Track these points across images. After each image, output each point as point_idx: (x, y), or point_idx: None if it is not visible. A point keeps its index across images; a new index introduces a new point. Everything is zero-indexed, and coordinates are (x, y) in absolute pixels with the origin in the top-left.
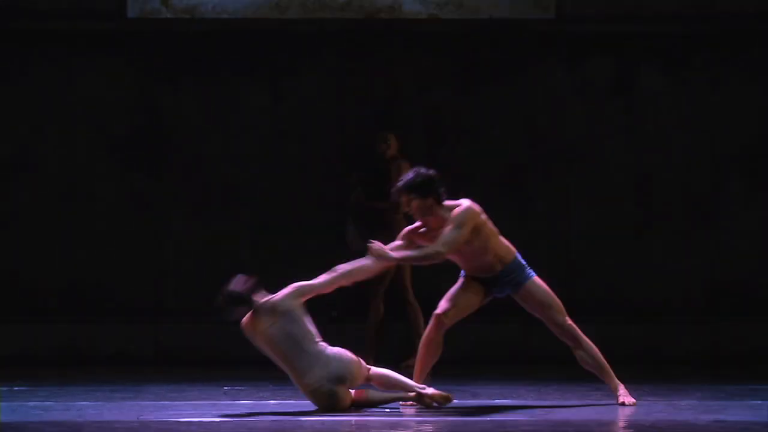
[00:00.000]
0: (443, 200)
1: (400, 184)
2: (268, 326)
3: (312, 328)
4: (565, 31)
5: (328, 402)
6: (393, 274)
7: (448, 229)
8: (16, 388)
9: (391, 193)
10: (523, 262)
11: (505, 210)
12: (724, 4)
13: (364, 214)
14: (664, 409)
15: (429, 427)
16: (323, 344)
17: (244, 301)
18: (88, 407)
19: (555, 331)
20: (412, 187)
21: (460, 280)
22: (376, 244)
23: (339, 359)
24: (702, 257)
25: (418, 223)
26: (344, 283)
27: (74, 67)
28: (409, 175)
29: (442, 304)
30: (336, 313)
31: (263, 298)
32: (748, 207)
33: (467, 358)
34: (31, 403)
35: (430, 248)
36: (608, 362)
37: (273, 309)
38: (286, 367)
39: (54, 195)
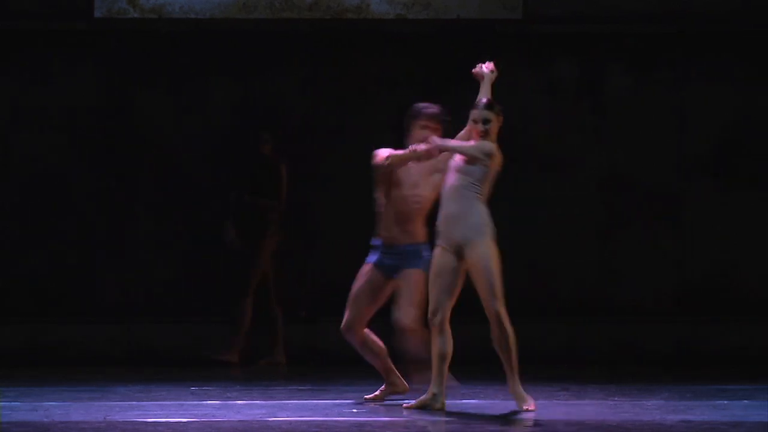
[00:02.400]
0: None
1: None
2: None
3: None
4: (532, 32)
5: None
6: (261, 275)
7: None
8: None
9: (271, 192)
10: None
11: None
12: (691, 5)
13: (246, 212)
14: (631, 409)
15: (397, 428)
16: None
17: None
18: (55, 407)
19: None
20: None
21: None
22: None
23: None
24: (669, 258)
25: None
26: None
27: (42, 67)
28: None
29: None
30: (305, 313)
31: None
32: (716, 207)
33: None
34: None
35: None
36: (576, 362)
37: None
38: None
39: (23, 194)
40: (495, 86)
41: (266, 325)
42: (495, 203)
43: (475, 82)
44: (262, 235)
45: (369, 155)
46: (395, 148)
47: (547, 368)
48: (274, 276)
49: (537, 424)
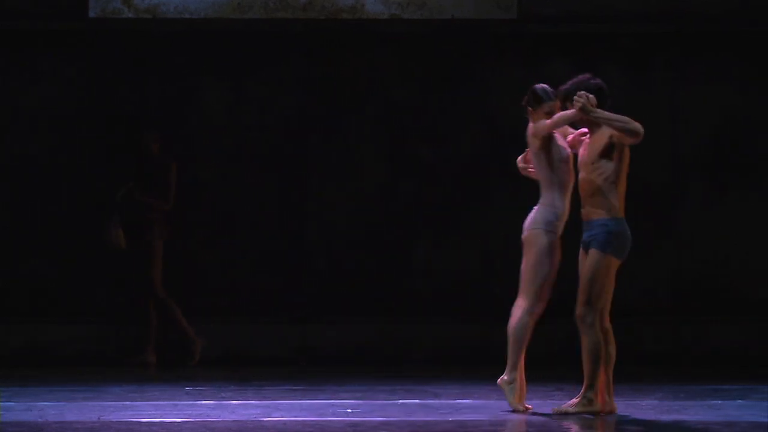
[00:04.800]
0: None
1: (573, 83)
2: None
3: None
4: (526, 31)
5: None
6: (146, 269)
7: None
8: None
9: (159, 191)
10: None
11: (467, 208)
12: (686, 5)
13: (133, 210)
14: (626, 408)
15: (391, 428)
16: None
17: None
18: (49, 407)
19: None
20: (568, 93)
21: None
22: (583, 97)
23: None
24: (663, 257)
25: (584, 129)
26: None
27: (36, 67)
28: (573, 80)
29: None
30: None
31: None
32: (710, 207)
33: (429, 359)
34: None
35: (633, 123)
36: (570, 362)
37: None
38: None
39: (15, 193)
40: (490, 86)
41: (143, 324)
42: (490, 202)
43: (468, 83)
44: (149, 234)
45: (366, 154)
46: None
47: (542, 368)
48: (153, 269)
49: (530, 423)
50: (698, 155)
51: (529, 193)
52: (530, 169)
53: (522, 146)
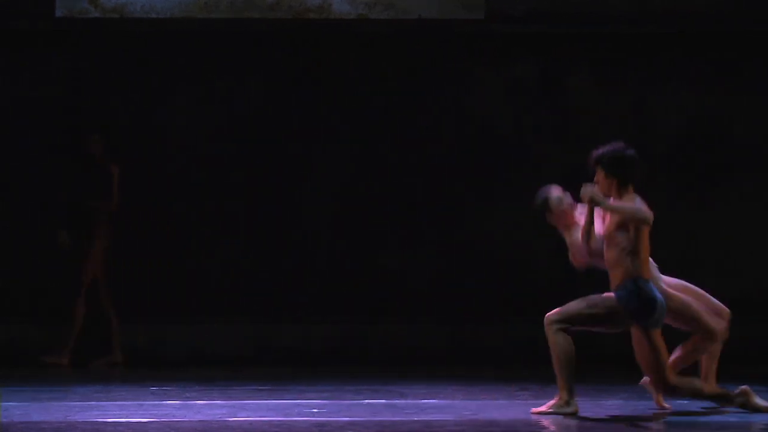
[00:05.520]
0: (629, 187)
1: (596, 153)
2: None
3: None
4: (493, 32)
5: None
6: (93, 276)
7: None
8: None
9: (101, 193)
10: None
11: (435, 210)
12: (653, 6)
13: (76, 214)
14: (591, 408)
15: (357, 428)
16: None
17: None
18: (14, 408)
19: None
20: (601, 159)
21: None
22: (589, 188)
23: None
24: None
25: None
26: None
27: (2, 67)
28: (608, 147)
29: None
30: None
31: None
32: (676, 206)
33: (395, 358)
34: None
35: (637, 207)
36: (539, 362)
37: None
38: None
39: None
40: (458, 86)
41: (102, 326)
42: (458, 202)
43: (436, 83)
44: (92, 235)
45: (334, 155)
46: (355, 151)
47: (507, 368)
48: (105, 277)
49: (495, 424)
50: (664, 155)
51: (499, 194)
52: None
53: (490, 144)
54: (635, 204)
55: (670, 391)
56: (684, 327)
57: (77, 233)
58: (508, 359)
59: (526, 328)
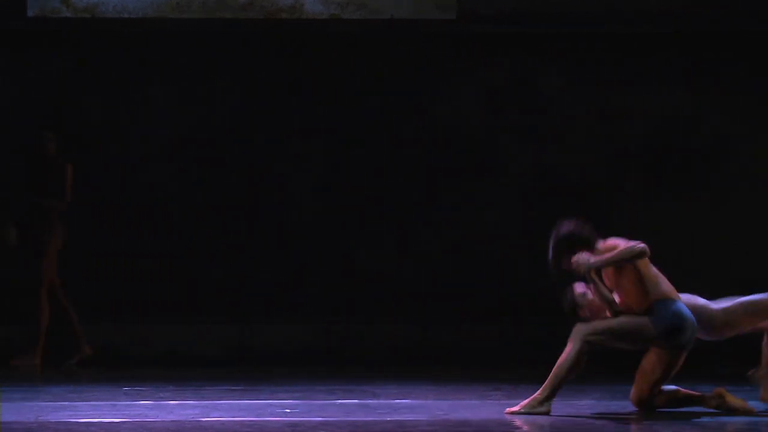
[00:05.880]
0: (595, 244)
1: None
2: None
3: None
4: (466, 32)
5: None
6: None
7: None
8: None
9: (55, 191)
10: None
11: (404, 211)
12: (621, 5)
13: (29, 213)
14: (563, 408)
15: (330, 428)
16: None
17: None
18: None
19: None
20: (560, 253)
21: None
22: (581, 261)
23: None
24: None
25: None
26: None
27: None
28: (553, 241)
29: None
30: None
31: None
32: (645, 206)
33: (367, 358)
34: None
35: (627, 247)
36: (511, 363)
37: None
38: None
39: None
40: (430, 86)
41: (64, 326)
42: (429, 202)
43: (409, 83)
44: (46, 235)
45: (307, 155)
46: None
47: (480, 369)
48: (56, 275)
49: (468, 424)
50: (634, 155)
51: (471, 194)
52: None
53: (462, 144)
54: (621, 245)
55: (650, 404)
56: (760, 320)
57: (31, 232)
58: (482, 359)
59: (499, 329)
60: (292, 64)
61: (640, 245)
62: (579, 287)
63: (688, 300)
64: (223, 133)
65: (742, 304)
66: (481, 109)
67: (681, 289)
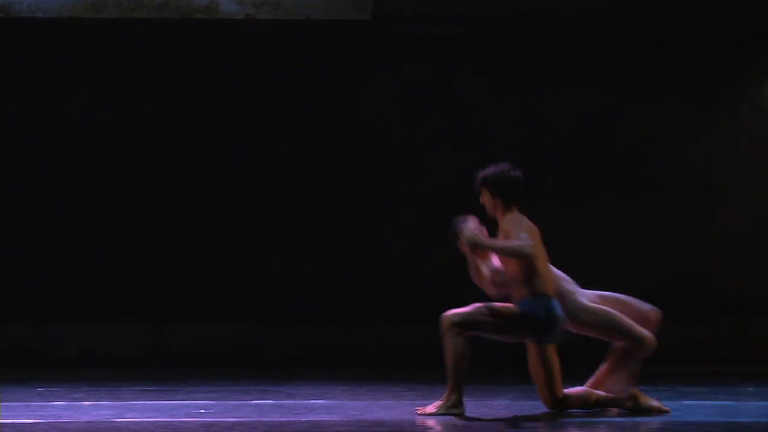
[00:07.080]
0: (513, 207)
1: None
2: None
3: None
4: (382, 33)
5: None
6: None
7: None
8: None
9: None
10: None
11: (326, 211)
12: (543, 7)
13: None
14: (477, 408)
15: (245, 428)
16: None
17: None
18: None
19: None
20: (486, 180)
21: None
22: (468, 228)
23: None
24: None
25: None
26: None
27: None
28: (494, 167)
29: None
30: None
31: None
32: (567, 207)
33: (282, 359)
34: None
35: (518, 244)
36: (426, 363)
37: None
38: None
39: None
40: (348, 88)
41: None
42: (349, 204)
43: (326, 83)
44: None
45: (223, 155)
46: (247, 153)
47: (395, 369)
48: None
49: (382, 424)
50: (556, 156)
51: (389, 195)
52: None
53: (380, 145)
54: (517, 229)
55: (560, 404)
56: (613, 340)
57: None
58: (396, 360)
59: (414, 329)
60: (209, 64)
61: (528, 250)
62: (472, 222)
63: (558, 276)
64: (140, 132)
65: (607, 315)
66: (400, 109)
67: (599, 288)
